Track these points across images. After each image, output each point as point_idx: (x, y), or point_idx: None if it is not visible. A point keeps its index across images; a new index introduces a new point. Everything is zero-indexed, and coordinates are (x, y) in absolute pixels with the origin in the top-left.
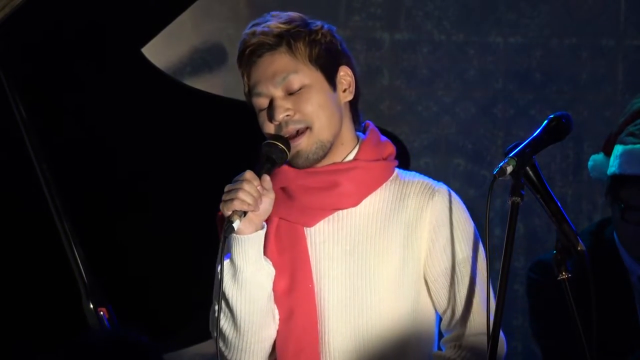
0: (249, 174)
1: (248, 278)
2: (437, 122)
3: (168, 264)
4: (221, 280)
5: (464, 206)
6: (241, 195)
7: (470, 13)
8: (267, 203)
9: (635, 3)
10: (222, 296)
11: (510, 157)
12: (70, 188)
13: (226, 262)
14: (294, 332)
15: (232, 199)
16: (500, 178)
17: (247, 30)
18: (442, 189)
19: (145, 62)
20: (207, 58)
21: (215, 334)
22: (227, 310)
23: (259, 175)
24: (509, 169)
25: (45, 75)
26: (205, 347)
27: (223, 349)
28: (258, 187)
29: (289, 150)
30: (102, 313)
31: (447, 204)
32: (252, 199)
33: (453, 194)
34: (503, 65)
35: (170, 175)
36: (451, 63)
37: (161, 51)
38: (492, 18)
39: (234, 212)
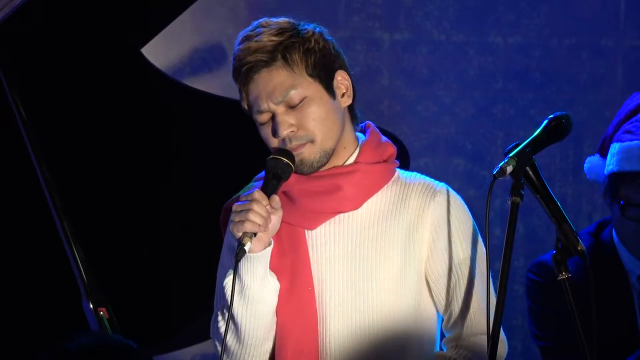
0: (257, 194)
1: (254, 294)
2: (436, 122)
3: (168, 264)
4: (231, 300)
5: (465, 206)
6: (251, 216)
7: (470, 13)
8: (275, 221)
9: (635, 3)
10: (228, 311)
11: (510, 157)
12: (70, 188)
13: (231, 277)
14: (293, 334)
15: (242, 221)
16: (500, 178)
17: (240, 46)
18: (443, 189)
19: (144, 62)
20: (206, 58)
21: (220, 348)
22: (231, 323)
23: (268, 193)
24: (509, 169)
25: (45, 75)
26: (206, 346)
27: (224, 356)
28: (267, 207)
29: (294, 164)
30: (101, 313)
31: (448, 204)
32: (262, 219)
33: (454, 193)
34: (503, 65)
35: (169, 175)
36: (451, 63)
37: (161, 51)
38: (491, 18)
39: (245, 234)
